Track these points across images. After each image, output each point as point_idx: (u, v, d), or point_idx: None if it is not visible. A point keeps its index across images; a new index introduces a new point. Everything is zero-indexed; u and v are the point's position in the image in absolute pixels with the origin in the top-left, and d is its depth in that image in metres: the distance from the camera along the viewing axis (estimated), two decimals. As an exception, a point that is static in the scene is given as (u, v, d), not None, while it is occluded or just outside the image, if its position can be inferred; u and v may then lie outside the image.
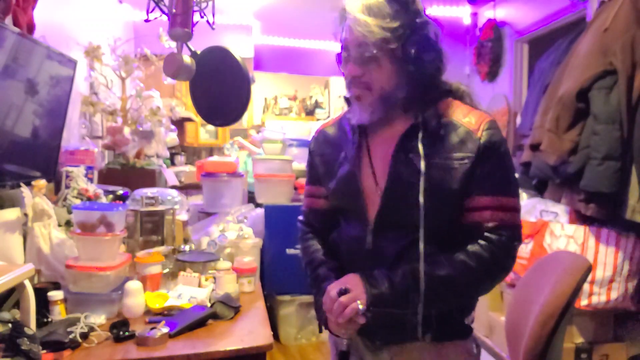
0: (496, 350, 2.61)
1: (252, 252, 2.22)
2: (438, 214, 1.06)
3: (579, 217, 2.36)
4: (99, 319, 1.51)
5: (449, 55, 1.11)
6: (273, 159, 3.34)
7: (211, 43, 2.00)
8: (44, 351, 1.27)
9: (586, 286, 2.18)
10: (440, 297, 1.06)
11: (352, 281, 1.07)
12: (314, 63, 4.92)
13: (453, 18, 4.38)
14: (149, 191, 2.24)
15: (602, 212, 2.12)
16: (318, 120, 6.10)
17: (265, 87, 6.13)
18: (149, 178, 2.89)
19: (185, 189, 3.69)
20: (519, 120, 3.38)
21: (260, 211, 3.13)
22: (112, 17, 3.69)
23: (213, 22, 1.90)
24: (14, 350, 1.17)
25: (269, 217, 3.14)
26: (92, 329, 1.43)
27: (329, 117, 6.09)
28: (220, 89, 2.00)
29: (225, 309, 1.63)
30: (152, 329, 1.41)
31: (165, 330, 1.42)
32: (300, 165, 3.47)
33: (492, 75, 4.03)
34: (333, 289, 1.07)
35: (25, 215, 1.71)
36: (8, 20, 1.72)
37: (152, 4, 1.81)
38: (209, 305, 1.65)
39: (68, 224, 1.88)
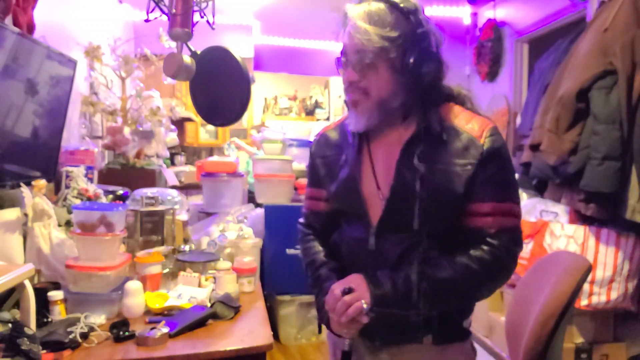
0: (496, 350, 2.61)
1: (252, 252, 2.22)
2: (440, 219, 1.08)
3: (579, 217, 2.36)
4: (99, 319, 1.50)
5: (449, 62, 1.11)
6: (273, 159, 3.33)
7: (211, 43, 2.00)
8: (44, 351, 1.27)
9: (586, 286, 2.18)
10: (442, 300, 1.07)
11: (356, 281, 1.08)
12: (314, 63, 4.92)
13: (453, 18, 4.37)
14: (149, 191, 2.24)
15: (602, 212, 2.12)
16: (318, 120, 6.09)
17: (265, 87, 6.13)
18: (149, 178, 2.89)
19: (185, 189, 3.69)
20: (519, 120, 3.38)
21: (260, 211, 3.13)
22: (112, 17, 3.69)
23: (213, 22, 1.90)
24: (14, 350, 1.17)
25: (269, 217, 3.13)
26: (92, 329, 1.43)
27: (329, 117, 6.09)
28: (220, 89, 2.01)
29: (225, 309, 1.63)
30: (152, 329, 1.41)
31: (165, 330, 1.42)
32: (301, 165, 3.47)
33: (492, 75, 4.02)
34: (337, 288, 1.08)
35: (25, 215, 1.71)
36: (8, 20, 1.72)
37: (152, 4, 1.81)
38: (209, 305, 1.65)
39: (68, 224, 1.88)
